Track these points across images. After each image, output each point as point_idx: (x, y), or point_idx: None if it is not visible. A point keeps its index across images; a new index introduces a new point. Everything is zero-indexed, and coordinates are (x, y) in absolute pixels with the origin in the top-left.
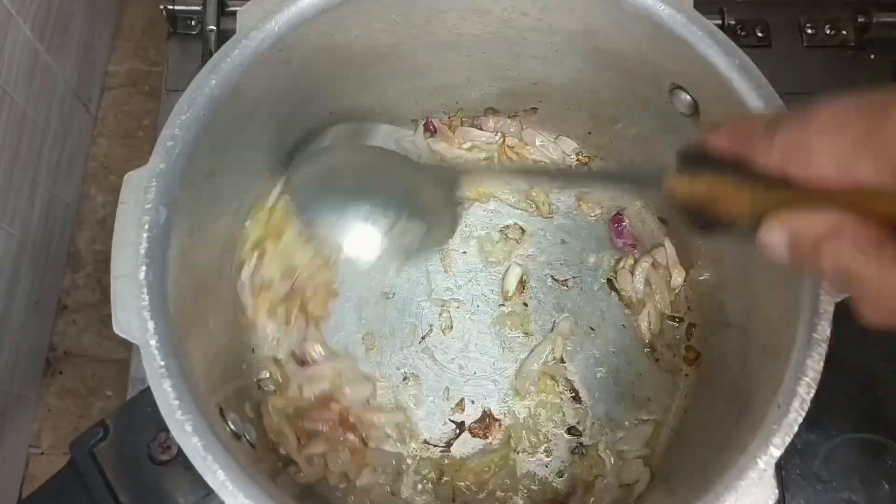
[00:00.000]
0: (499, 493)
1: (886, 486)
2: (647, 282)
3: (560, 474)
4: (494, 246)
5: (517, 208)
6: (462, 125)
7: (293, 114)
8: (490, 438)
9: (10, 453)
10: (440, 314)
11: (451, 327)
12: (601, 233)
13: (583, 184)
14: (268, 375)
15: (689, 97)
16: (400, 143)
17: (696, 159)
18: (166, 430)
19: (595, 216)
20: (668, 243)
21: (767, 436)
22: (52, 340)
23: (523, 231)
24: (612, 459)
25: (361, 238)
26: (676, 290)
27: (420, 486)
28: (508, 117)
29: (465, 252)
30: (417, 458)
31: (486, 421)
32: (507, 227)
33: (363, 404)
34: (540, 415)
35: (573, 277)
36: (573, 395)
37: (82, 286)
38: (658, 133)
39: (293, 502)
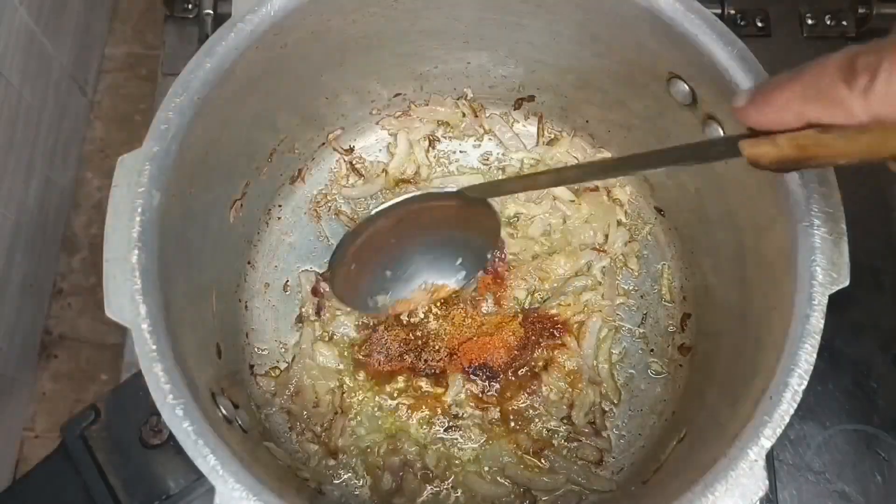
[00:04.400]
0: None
1: (879, 477)
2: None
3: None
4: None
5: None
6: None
7: (288, 98)
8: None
9: (4, 436)
10: None
11: None
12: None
13: (640, 168)
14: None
15: (686, 87)
16: None
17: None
18: (158, 413)
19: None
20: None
21: (759, 427)
22: (47, 324)
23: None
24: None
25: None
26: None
27: None
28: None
29: None
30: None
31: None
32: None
33: None
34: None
35: None
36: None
37: (78, 270)
38: (655, 122)
39: (283, 486)
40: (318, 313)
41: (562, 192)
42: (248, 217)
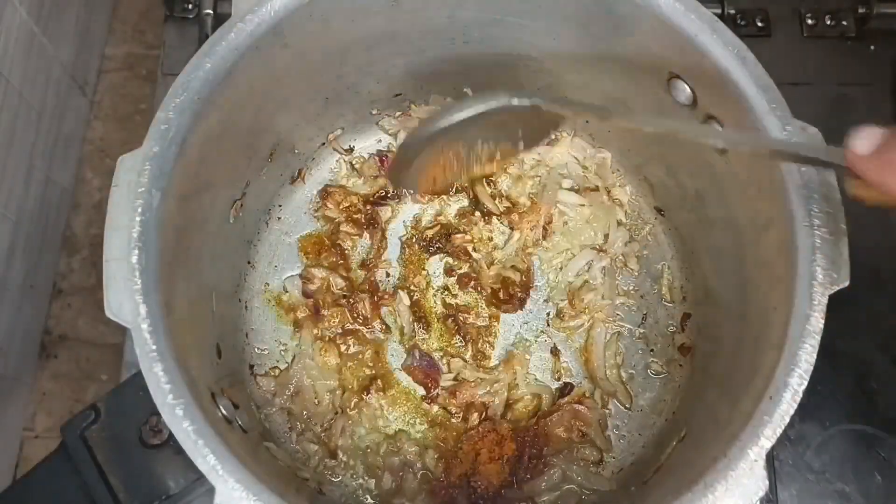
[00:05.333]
0: None
1: (879, 477)
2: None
3: None
4: None
5: None
6: None
7: (288, 98)
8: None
9: (4, 436)
10: None
11: None
12: None
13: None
14: None
15: (687, 87)
16: None
17: None
18: (158, 413)
19: None
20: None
21: (759, 427)
22: (47, 324)
23: None
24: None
25: None
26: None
27: None
28: None
29: None
30: None
31: None
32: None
33: None
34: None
35: None
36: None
37: (78, 270)
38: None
39: (283, 486)
40: (316, 313)
41: (569, 196)
42: (248, 217)
